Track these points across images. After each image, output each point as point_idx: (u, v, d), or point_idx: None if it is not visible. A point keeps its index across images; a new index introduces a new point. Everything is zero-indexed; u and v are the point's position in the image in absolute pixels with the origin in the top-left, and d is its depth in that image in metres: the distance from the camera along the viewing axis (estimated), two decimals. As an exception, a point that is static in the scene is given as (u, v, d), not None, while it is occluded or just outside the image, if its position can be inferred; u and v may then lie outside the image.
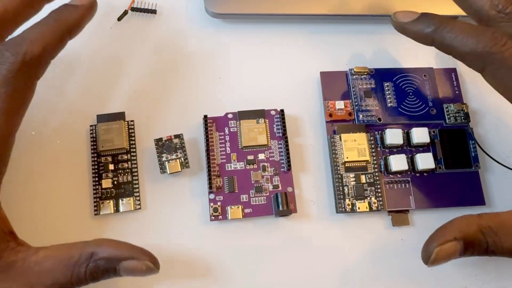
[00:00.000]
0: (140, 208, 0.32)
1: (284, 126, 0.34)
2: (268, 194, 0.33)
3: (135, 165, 0.33)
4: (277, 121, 0.34)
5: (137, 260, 0.26)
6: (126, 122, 0.34)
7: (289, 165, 0.33)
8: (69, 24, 0.27)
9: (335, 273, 0.32)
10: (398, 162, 0.33)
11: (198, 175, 0.34)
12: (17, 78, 0.25)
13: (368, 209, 0.33)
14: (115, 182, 0.33)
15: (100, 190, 0.32)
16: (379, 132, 0.35)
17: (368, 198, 0.33)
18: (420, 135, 0.34)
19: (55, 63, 0.35)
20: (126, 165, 0.33)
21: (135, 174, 0.33)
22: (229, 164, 0.33)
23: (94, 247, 0.26)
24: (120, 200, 0.32)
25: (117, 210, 0.32)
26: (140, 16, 0.37)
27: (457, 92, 0.36)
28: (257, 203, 0.33)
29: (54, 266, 0.25)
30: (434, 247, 0.26)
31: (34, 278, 0.25)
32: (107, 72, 0.36)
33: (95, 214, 0.32)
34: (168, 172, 0.32)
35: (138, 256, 0.26)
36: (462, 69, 0.37)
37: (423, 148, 0.35)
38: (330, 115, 0.35)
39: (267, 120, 0.34)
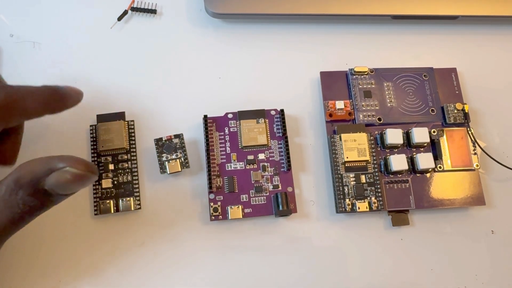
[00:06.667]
0: (140, 208, 0.32)
1: (284, 126, 0.34)
2: (268, 194, 0.33)
3: (135, 165, 0.33)
4: (277, 121, 0.34)
5: (57, 170, 0.23)
6: (126, 122, 0.34)
7: (289, 165, 0.33)
8: (57, 104, 0.28)
9: (335, 273, 0.32)
10: (398, 162, 0.33)
11: (198, 175, 0.34)
12: None
13: (368, 209, 0.33)
14: (115, 182, 0.33)
15: (100, 190, 0.32)
16: (379, 132, 0.35)
17: (368, 198, 0.33)
18: (420, 135, 0.34)
19: (55, 63, 0.35)
20: (126, 165, 0.33)
21: (135, 174, 0.33)
22: (229, 164, 0.33)
23: (13, 176, 0.23)
24: (120, 200, 0.32)
25: (117, 210, 0.32)
26: (140, 16, 0.37)
27: (457, 92, 0.36)
28: (257, 203, 0.33)
29: None
30: None
31: None
32: (107, 72, 0.36)
33: (95, 214, 0.32)
34: (168, 172, 0.32)
35: (56, 165, 0.23)
36: (462, 69, 0.37)
37: (423, 148, 0.35)
38: (330, 115, 0.35)
39: (267, 120, 0.34)
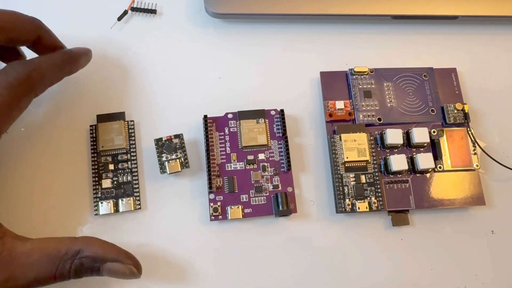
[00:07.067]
0: (140, 208, 0.32)
1: (284, 126, 0.34)
2: (268, 194, 0.33)
3: (135, 165, 0.33)
4: (277, 121, 0.34)
5: (122, 263, 0.28)
6: (126, 122, 0.34)
7: (289, 165, 0.33)
8: (71, 64, 0.32)
9: (335, 273, 0.32)
10: (398, 162, 0.33)
11: (198, 175, 0.34)
12: (20, 87, 0.28)
13: (368, 209, 0.33)
14: (115, 182, 0.33)
15: (100, 190, 0.32)
16: (379, 132, 0.35)
17: (368, 198, 0.33)
18: (420, 135, 0.34)
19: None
20: (126, 165, 0.33)
21: (135, 174, 0.33)
22: (229, 164, 0.33)
23: (81, 245, 0.27)
24: (120, 200, 0.32)
25: (117, 210, 0.32)
26: (140, 16, 0.37)
27: (457, 92, 0.36)
28: (257, 203, 0.33)
29: (40, 259, 0.26)
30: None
31: (18, 270, 0.26)
32: (107, 72, 0.36)
33: (95, 214, 0.32)
34: (168, 172, 0.32)
35: (123, 259, 0.28)
36: (462, 69, 0.37)
37: (423, 148, 0.35)
38: (330, 115, 0.35)
39: (267, 120, 0.34)
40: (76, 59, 0.32)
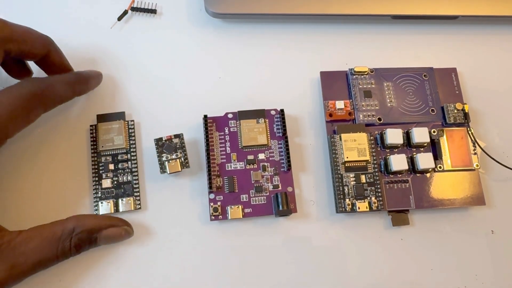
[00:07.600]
0: (140, 208, 0.32)
1: (284, 126, 0.34)
2: (268, 194, 0.33)
3: (135, 165, 0.33)
4: (277, 121, 0.34)
5: (116, 227, 0.30)
6: (126, 122, 0.34)
7: (289, 165, 0.33)
8: (81, 85, 0.33)
9: (335, 273, 0.32)
10: (398, 162, 0.33)
11: (198, 175, 0.34)
12: (32, 100, 0.29)
13: (368, 209, 0.33)
14: (115, 182, 0.33)
15: (100, 190, 0.32)
16: (379, 132, 0.35)
17: (368, 198, 0.33)
18: (420, 135, 0.34)
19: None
20: (126, 165, 0.33)
21: (135, 174, 0.33)
22: (229, 164, 0.33)
23: (73, 223, 0.29)
24: (120, 200, 0.32)
25: (117, 210, 0.32)
26: (140, 16, 0.38)
27: (457, 92, 0.36)
28: (257, 203, 0.33)
29: (40, 244, 0.28)
30: None
31: (20, 257, 0.27)
32: (107, 72, 0.36)
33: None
34: (168, 172, 0.32)
35: (115, 223, 0.31)
36: (462, 69, 0.37)
37: (423, 148, 0.35)
38: (330, 115, 0.35)
39: (267, 120, 0.34)
40: (87, 80, 0.33)
